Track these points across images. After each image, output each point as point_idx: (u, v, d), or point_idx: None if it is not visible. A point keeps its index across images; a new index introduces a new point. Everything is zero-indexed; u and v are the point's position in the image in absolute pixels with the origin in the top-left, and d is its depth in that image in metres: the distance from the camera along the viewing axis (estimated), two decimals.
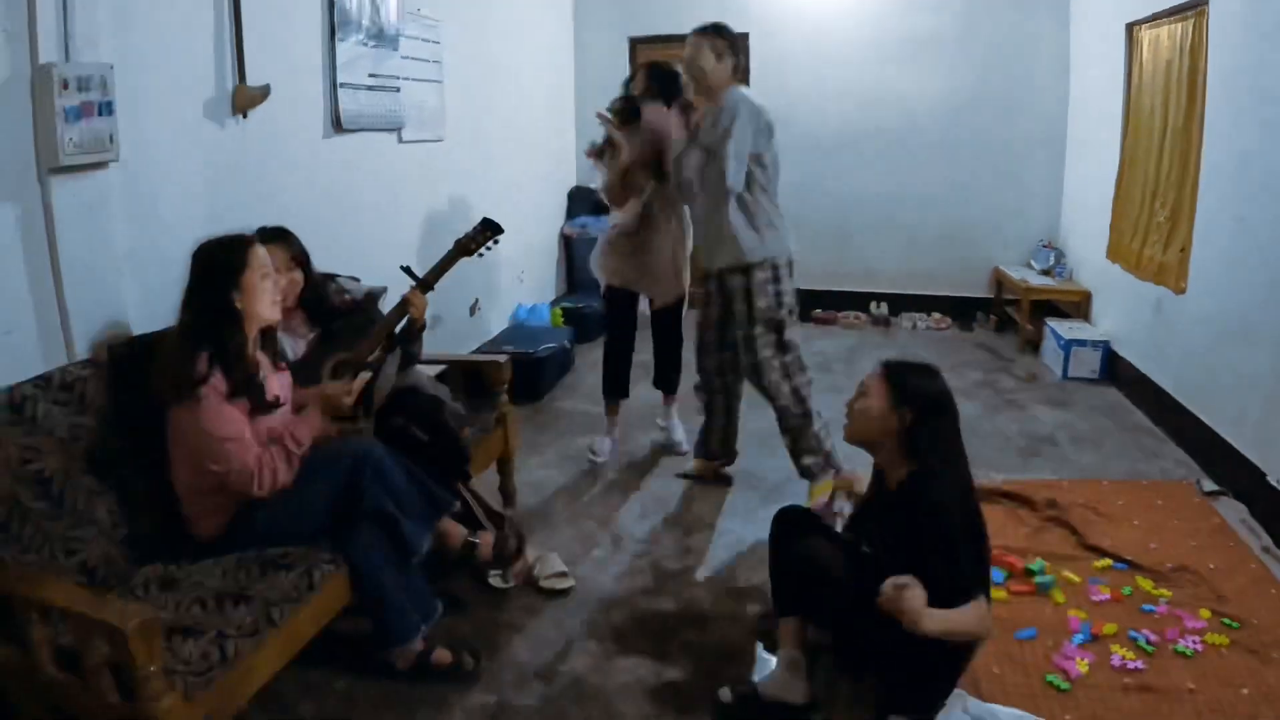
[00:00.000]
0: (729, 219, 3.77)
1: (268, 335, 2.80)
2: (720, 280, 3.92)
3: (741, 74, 3.81)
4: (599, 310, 7.14)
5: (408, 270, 3.35)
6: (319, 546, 2.69)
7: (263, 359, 2.77)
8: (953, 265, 7.66)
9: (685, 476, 4.44)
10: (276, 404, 2.74)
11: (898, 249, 7.70)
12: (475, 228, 3.40)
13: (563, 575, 3.47)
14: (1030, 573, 3.33)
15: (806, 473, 3.99)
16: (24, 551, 2.39)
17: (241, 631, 2.32)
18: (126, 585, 2.55)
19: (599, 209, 7.82)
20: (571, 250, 7.79)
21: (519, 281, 6.89)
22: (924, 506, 2.38)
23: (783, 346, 3.87)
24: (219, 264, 2.62)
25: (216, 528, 2.68)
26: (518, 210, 6.56)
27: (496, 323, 6.44)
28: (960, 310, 7.62)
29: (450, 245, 3.41)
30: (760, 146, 3.72)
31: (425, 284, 3.31)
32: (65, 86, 2.64)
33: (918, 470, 2.49)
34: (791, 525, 2.85)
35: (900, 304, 7.71)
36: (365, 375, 2.93)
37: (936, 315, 7.55)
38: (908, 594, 2.26)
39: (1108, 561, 3.47)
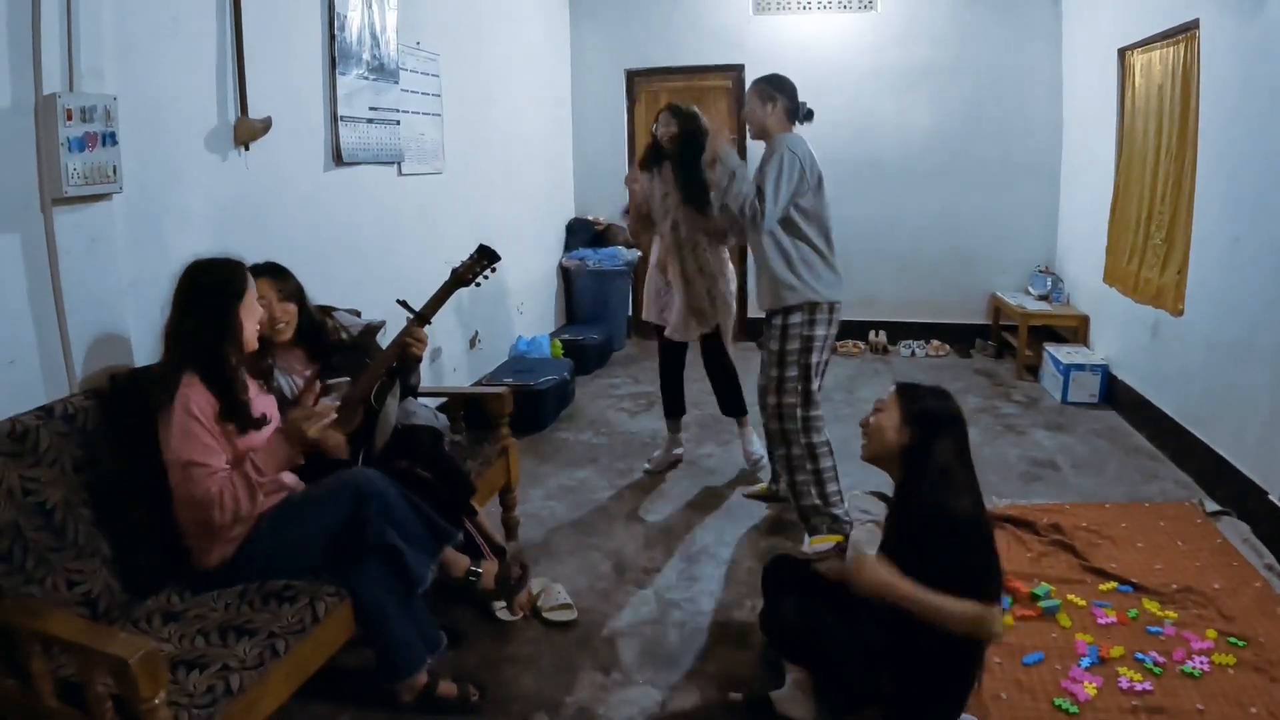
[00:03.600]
0: (770, 263, 3.85)
1: (254, 357, 2.83)
2: (768, 321, 3.96)
3: (803, 115, 3.96)
4: (599, 342, 7.20)
5: (404, 304, 3.32)
6: (322, 579, 2.67)
7: (250, 382, 2.80)
8: (950, 292, 7.71)
9: (754, 497, 4.52)
10: (264, 420, 2.75)
11: (895, 277, 7.74)
12: (471, 256, 3.34)
13: (567, 607, 3.44)
14: (1035, 597, 3.32)
15: (810, 525, 3.93)
16: (26, 583, 2.37)
17: (246, 664, 2.30)
18: (129, 618, 2.53)
19: (597, 241, 7.88)
20: (570, 282, 7.82)
21: (518, 313, 6.90)
22: (923, 514, 2.40)
23: (809, 399, 3.86)
24: (222, 278, 2.68)
25: (220, 559, 2.67)
26: (517, 242, 6.59)
27: (497, 355, 6.44)
28: (958, 337, 7.65)
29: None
30: (800, 192, 3.75)
31: (422, 317, 3.26)
32: (69, 117, 2.65)
33: (923, 486, 2.47)
34: (783, 576, 2.86)
35: (898, 332, 7.74)
36: (331, 403, 2.87)
37: (935, 342, 7.58)
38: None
39: (1112, 584, 3.46)
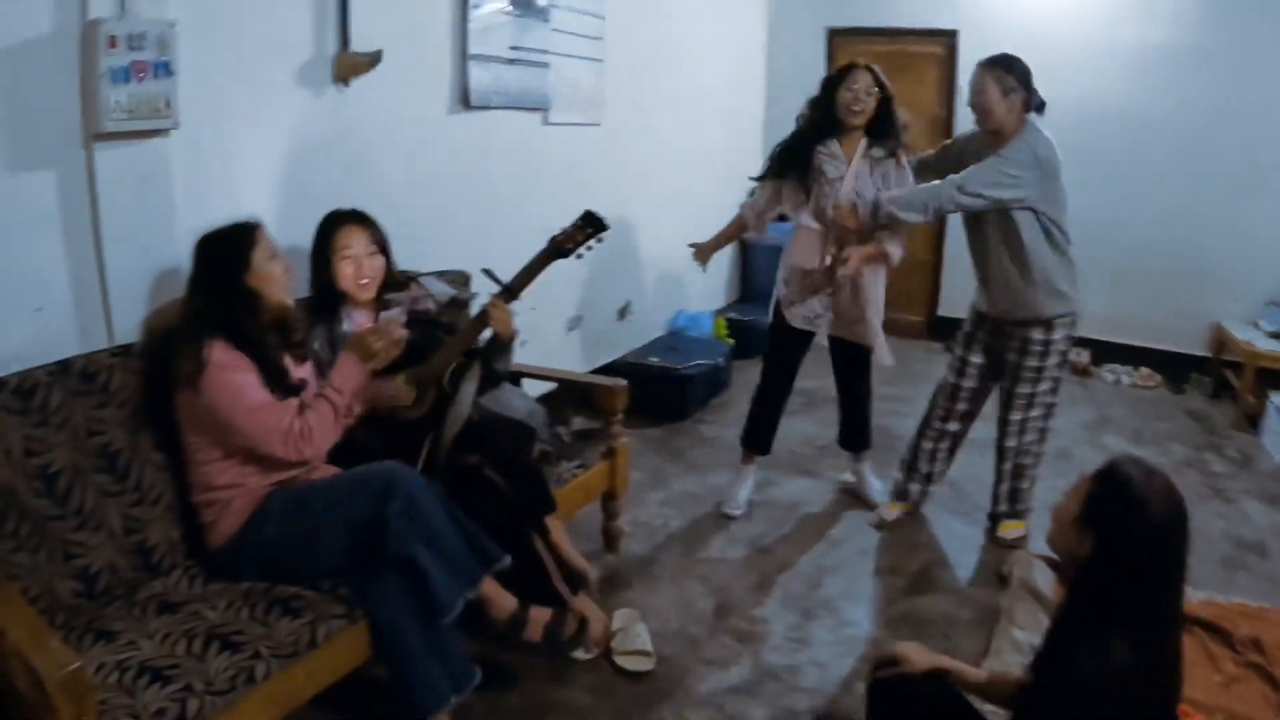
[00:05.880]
0: (1043, 266, 3.60)
1: (284, 325, 2.59)
2: (1009, 330, 3.71)
3: (1036, 105, 3.58)
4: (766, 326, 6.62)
5: (490, 274, 2.93)
6: (337, 590, 2.38)
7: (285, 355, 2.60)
8: (1166, 314, 6.65)
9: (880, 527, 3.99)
10: (302, 386, 2.58)
11: (1104, 289, 6.64)
12: (574, 223, 2.91)
13: (645, 654, 2.94)
14: None
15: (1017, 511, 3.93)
16: (15, 551, 2.22)
17: (212, 687, 2.03)
18: (130, 599, 2.35)
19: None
20: (749, 256, 7.28)
21: (682, 285, 6.41)
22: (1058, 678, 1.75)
23: (1051, 412, 3.85)
24: (224, 249, 2.48)
25: (226, 534, 2.46)
26: (688, 209, 6.08)
27: (651, 329, 5.97)
28: (1171, 367, 6.61)
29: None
30: (1046, 197, 3.57)
31: (510, 291, 2.89)
32: (113, 44, 2.37)
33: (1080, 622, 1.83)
34: (892, 695, 2.23)
35: (1103, 352, 6.78)
36: (396, 315, 2.72)
37: (1144, 370, 6.61)
38: None
39: None
